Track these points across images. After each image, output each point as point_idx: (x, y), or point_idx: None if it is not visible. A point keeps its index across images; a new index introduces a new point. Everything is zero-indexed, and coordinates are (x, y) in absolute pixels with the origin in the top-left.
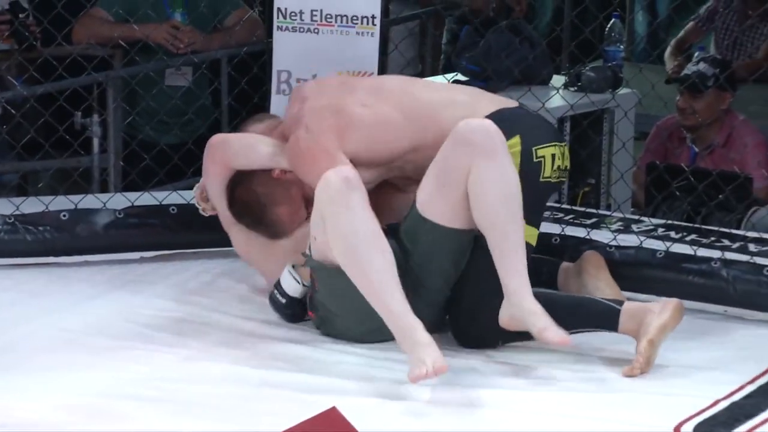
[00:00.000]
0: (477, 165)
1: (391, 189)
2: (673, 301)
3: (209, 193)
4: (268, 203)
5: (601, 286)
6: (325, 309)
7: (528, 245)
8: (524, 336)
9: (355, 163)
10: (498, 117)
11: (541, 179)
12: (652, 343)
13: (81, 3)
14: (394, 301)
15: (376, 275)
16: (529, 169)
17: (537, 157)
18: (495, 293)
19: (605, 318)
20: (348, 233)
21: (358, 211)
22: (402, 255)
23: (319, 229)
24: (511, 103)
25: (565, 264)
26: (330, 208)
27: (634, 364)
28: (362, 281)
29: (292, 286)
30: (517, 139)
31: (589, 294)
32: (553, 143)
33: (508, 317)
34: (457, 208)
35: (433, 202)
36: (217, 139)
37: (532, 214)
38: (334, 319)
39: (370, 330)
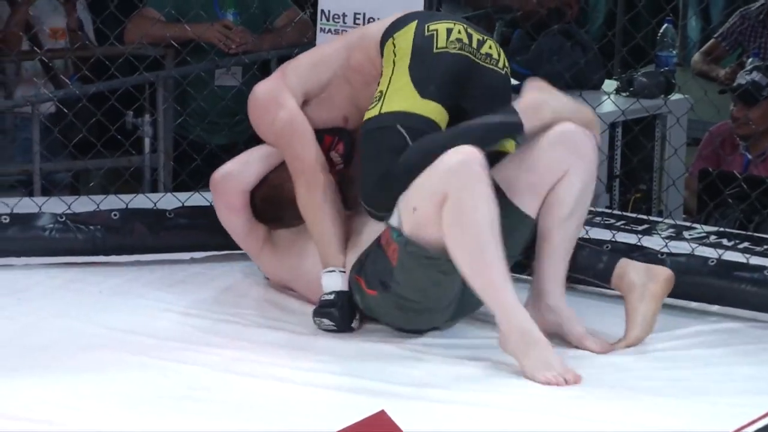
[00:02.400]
0: (575, 168)
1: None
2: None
3: (231, 230)
4: (279, 183)
5: (653, 308)
6: (396, 284)
7: (421, 118)
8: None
9: (310, 96)
10: (407, 15)
11: (435, 50)
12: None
13: (134, 3)
14: (511, 297)
15: (498, 270)
16: (419, 43)
17: (428, 32)
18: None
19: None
20: (482, 224)
21: (490, 201)
22: None
23: (427, 202)
24: None
25: (624, 261)
26: (464, 193)
27: None
28: (482, 272)
29: (334, 281)
30: (413, 23)
31: (634, 311)
32: (452, 20)
33: (539, 318)
34: (537, 201)
35: (519, 192)
36: (216, 175)
37: (431, 89)
38: (404, 297)
39: (430, 314)
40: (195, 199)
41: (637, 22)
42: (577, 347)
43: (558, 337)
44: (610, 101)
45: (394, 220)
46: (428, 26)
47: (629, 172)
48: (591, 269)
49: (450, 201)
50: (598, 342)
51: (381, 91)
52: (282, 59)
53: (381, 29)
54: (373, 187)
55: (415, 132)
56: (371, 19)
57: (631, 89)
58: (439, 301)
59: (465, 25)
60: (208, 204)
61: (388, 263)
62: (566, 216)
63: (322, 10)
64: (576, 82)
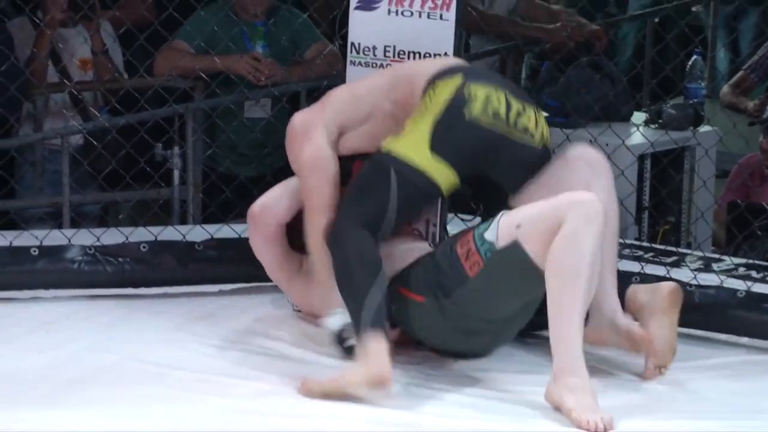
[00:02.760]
0: (595, 184)
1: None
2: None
3: (265, 261)
4: None
5: (666, 322)
6: (462, 292)
7: (431, 183)
8: None
9: (347, 129)
10: (456, 64)
11: (466, 114)
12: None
13: (163, 36)
14: (578, 341)
15: (580, 308)
16: (455, 102)
17: (468, 94)
18: None
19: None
20: (586, 261)
21: (598, 246)
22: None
23: (536, 223)
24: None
25: (633, 287)
26: (584, 226)
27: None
28: (566, 304)
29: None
30: (458, 76)
31: (647, 329)
32: (498, 88)
33: (599, 335)
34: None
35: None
36: (254, 207)
37: (445, 147)
38: (460, 305)
39: (476, 334)
40: (224, 231)
41: (666, 55)
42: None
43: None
44: (639, 133)
45: (490, 234)
46: (470, 87)
47: (658, 204)
48: None
49: (568, 228)
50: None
51: (403, 129)
52: (311, 91)
53: (430, 71)
54: (336, 222)
55: (405, 184)
56: (401, 53)
57: (660, 121)
58: (496, 312)
59: (507, 93)
60: (237, 236)
61: (461, 273)
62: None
63: (353, 43)
64: (605, 114)
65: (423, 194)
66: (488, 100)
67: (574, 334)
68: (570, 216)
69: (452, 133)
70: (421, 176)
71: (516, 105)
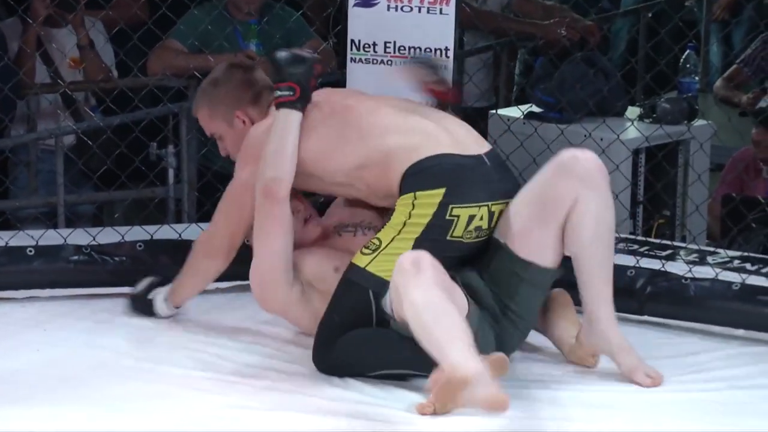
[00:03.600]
0: (584, 196)
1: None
2: (499, 356)
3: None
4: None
5: (566, 324)
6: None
7: None
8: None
9: (302, 169)
10: (437, 162)
11: (449, 237)
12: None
13: (156, 35)
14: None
15: (443, 333)
16: (437, 223)
17: (450, 215)
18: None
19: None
20: (418, 305)
21: (429, 284)
22: (490, 293)
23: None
24: (477, 148)
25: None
26: (401, 289)
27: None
28: (430, 342)
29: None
30: (440, 191)
31: (554, 330)
32: (481, 203)
33: (590, 345)
34: (556, 245)
35: (535, 240)
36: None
37: None
38: None
39: None
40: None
41: (660, 49)
42: (626, 377)
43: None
44: (634, 128)
45: (386, 304)
46: (451, 209)
47: (652, 198)
48: None
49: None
50: (650, 375)
51: (379, 242)
52: None
53: (406, 159)
54: (320, 342)
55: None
56: (402, 48)
57: (654, 115)
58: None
59: (490, 205)
60: None
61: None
62: (589, 239)
63: (352, 40)
64: (599, 109)
65: None
66: (470, 220)
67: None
68: (397, 284)
69: (433, 253)
70: None
71: (498, 208)
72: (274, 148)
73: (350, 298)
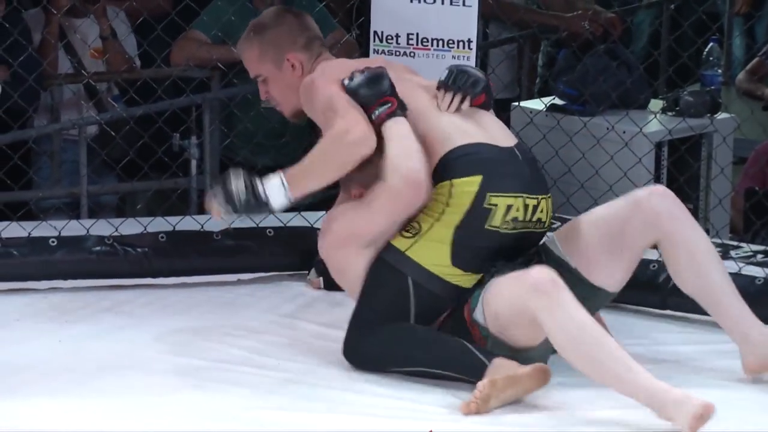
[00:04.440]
0: (669, 230)
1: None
2: (539, 366)
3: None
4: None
5: None
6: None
7: (440, 281)
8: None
9: None
10: (472, 151)
11: (487, 226)
12: (493, 383)
13: (180, 25)
14: (637, 375)
15: (614, 364)
16: (476, 211)
17: (489, 203)
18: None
19: (470, 368)
20: (576, 336)
21: (574, 313)
22: None
23: (511, 316)
24: (508, 141)
25: None
26: (547, 315)
27: (471, 399)
28: (604, 374)
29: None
30: (477, 179)
31: None
32: (517, 194)
33: (757, 359)
34: (624, 274)
35: (603, 268)
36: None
37: (466, 259)
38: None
39: None
40: (242, 220)
41: (683, 42)
42: None
43: None
44: (657, 120)
45: (479, 316)
46: (489, 198)
47: (676, 192)
48: None
49: (538, 315)
50: None
51: (419, 227)
52: None
53: (440, 148)
54: (353, 330)
55: (423, 293)
56: (425, 40)
57: (677, 108)
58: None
59: (525, 197)
60: (255, 225)
61: (472, 339)
62: (706, 270)
63: (375, 32)
64: (622, 101)
65: (443, 299)
66: (508, 210)
67: (635, 384)
68: (534, 307)
69: (473, 242)
70: (443, 285)
71: (532, 202)
72: (398, 151)
73: (388, 284)
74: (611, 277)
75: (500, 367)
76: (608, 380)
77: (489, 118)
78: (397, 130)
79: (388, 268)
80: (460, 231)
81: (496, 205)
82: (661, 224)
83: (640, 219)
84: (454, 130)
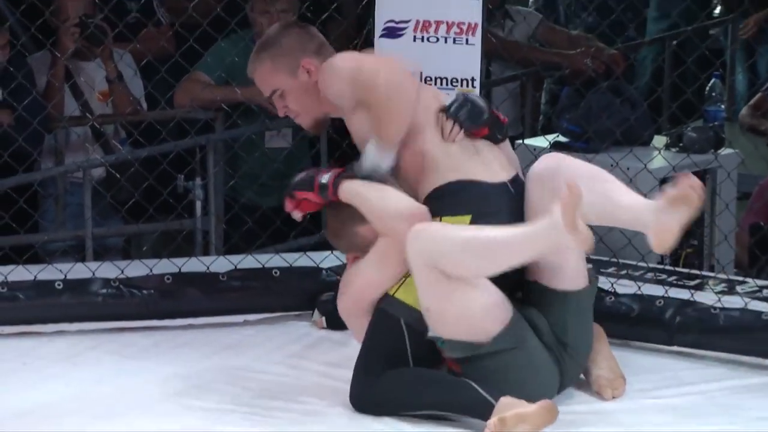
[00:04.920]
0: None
1: None
2: (546, 402)
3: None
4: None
5: (598, 359)
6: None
7: None
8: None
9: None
10: (464, 188)
11: None
12: (503, 422)
13: (185, 67)
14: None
15: (497, 239)
16: None
17: None
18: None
19: (476, 408)
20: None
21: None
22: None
23: (427, 291)
24: (503, 174)
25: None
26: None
27: None
28: (494, 256)
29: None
30: (466, 218)
31: (586, 370)
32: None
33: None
34: (579, 263)
35: (555, 267)
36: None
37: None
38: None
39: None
40: (248, 261)
41: (685, 77)
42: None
43: None
44: (661, 156)
45: (431, 332)
46: None
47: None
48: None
49: (439, 268)
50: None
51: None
52: (332, 120)
53: (432, 179)
54: (358, 377)
55: (416, 334)
56: (428, 79)
57: (681, 144)
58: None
59: None
60: (261, 266)
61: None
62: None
63: None
64: (626, 138)
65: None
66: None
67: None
68: (415, 258)
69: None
70: None
71: None
72: (381, 201)
73: (383, 328)
74: (568, 274)
75: (507, 405)
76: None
77: (489, 152)
78: (356, 188)
79: (381, 313)
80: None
81: None
82: (560, 180)
83: (549, 190)
84: (449, 162)
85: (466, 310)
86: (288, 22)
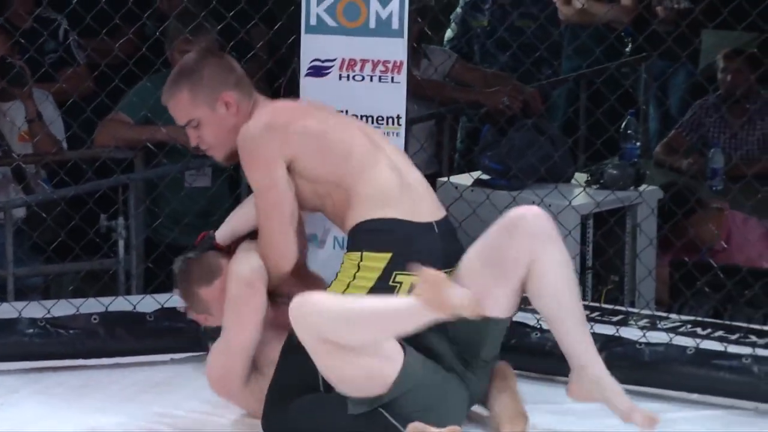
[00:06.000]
0: (542, 251)
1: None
2: (453, 428)
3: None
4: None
5: (501, 396)
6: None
7: None
8: None
9: (291, 169)
10: (389, 227)
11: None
12: None
13: (109, 107)
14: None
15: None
16: (381, 287)
17: (394, 281)
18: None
19: None
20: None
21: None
22: (454, 352)
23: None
24: (430, 214)
25: None
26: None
27: None
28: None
29: None
30: (386, 256)
31: (493, 403)
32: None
33: (582, 391)
34: (513, 298)
35: (492, 297)
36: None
37: None
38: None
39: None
40: (174, 300)
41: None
42: (623, 420)
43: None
44: (585, 193)
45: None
46: (396, 275)
47: (603, 264)
48: None
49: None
50: (648, 417)
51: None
52: None
53: (361, 212)
54: (269, 408)
55: None
56: (354, 116)
57: (602, 182)
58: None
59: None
60: None
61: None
62: (559, 291)
63: None
64: (549, 175)
65: None
66: (412, 287)
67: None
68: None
69: None
70: None
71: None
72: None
73: (296, 361)
74: (500, 305)
75: (416, 430)
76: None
77: (419, 183)
78: None
79: (294, 347)
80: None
81: (401, 282)
82: (536, 246)
83: (519, 242)
84: (378, 197)
85: (359, 372)
86: (206, 50)
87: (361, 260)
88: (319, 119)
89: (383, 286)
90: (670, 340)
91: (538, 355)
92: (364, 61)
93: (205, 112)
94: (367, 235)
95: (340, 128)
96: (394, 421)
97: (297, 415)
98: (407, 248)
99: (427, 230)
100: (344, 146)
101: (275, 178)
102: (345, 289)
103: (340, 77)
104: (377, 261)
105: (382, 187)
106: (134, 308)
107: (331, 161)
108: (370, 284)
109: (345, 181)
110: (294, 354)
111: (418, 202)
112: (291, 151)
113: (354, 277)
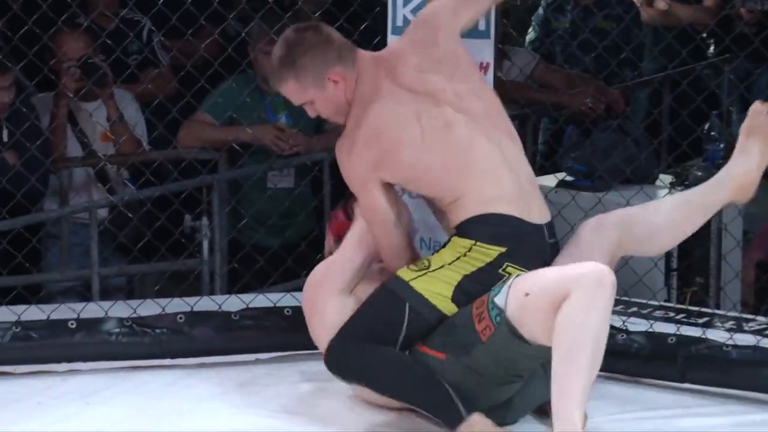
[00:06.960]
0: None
1: None
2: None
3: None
4: None
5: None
6: (478, 352)
7: (437, 312)
8: None
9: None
10: (505, 222)
11: (495, 281)
12: None
13: (187, 108)
14: (578, 413)
15: (580, 382)
16: (490, 271)
17: (504, 271)
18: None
19: (446, 415)
20: (590, 334)
21: (606, 320)
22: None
23: (544, 293)
24: (539, 216)
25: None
26: (589, 300)
27: None
28: (566, 376)
29: None
30: (500, 249)
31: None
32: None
33: None
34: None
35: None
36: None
37: (464, 302)
38: (480, 363)
39: (497, 386)
40: (259, 300)
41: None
42: None
43: None
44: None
45: (500, 299)
46: (507, 265)
47: (687, 267)
48: None
49: (573, 300)
50: None
51: (428, 263)
52: (334, 161)
53: (475, 207)
54: (340, 338)
55: (417, 319)
56: None
57: (686, 183)
58: (516, 369)
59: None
60: (272, 305)
61: (475, 336)
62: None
63: None
64: (634, 176)
65: (433, 328)
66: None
67: (572, 409)
68: (578, 288)
69: (476, 289)
70: (436, 313)
71: None
72: None
73: (385, 305)
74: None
75: (476, 423)
76: (560, 381)
77: (530, 183)
78: None
79: (388, 292)
80: (468, 279)
81: (509, 273)
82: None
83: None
84: (495, 193)
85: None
86: (303, 29)
87: (474, 245)
88: (424, 130)
89: (492, 271)
90: (758, 342)
91: (623, 357)
92: None
93: (315, 93)
94: (481, 228)
95: (455, 133)
96: (458, 402)
97: (367, 356)
98: (521, 246)
99: (538, 233)
100: (458, 159)
101: (370, 199)
102: (450, 263)
103: None
104: (490, 252)
105: (499, 181)
106: (219, 308)
107: (443, 178)
108: (481, 265)
109: (458, 188)
110: (385, 300)
111: (529, 201)
112: (387, 178)
113: (464, 256)
